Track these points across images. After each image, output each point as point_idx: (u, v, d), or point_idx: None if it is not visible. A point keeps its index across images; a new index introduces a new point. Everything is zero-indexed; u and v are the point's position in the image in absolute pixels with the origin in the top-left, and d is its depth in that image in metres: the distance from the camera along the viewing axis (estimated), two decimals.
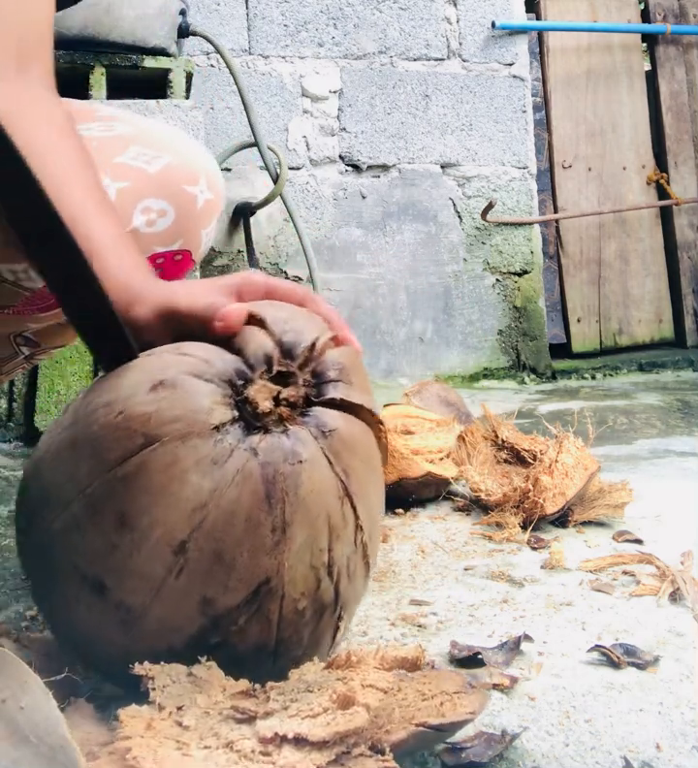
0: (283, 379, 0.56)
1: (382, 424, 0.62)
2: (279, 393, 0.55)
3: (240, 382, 0.55)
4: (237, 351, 0.56)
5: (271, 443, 0.53)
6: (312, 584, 0.54)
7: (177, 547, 0.51)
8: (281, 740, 0.46)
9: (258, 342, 0.56)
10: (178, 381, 0.53)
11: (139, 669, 0.51)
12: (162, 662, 0.52)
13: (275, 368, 0.56)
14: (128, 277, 0.61)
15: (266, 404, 0.54)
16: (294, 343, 0.57)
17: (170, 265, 0.92)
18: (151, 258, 0.88)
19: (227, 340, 0.57)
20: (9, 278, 0.83)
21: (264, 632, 0.53)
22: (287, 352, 0.57)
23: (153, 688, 0.50)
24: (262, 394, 0.54)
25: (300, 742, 0.46)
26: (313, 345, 0.58)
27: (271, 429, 0.54)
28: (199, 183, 0.90)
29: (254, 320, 0.58)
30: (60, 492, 0.54)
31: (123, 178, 0.85)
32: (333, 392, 0.57)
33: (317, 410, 0.56)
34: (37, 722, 0.42)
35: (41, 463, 0.58)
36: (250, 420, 0.53)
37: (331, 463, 0.54)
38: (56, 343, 1.01)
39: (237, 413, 0.53)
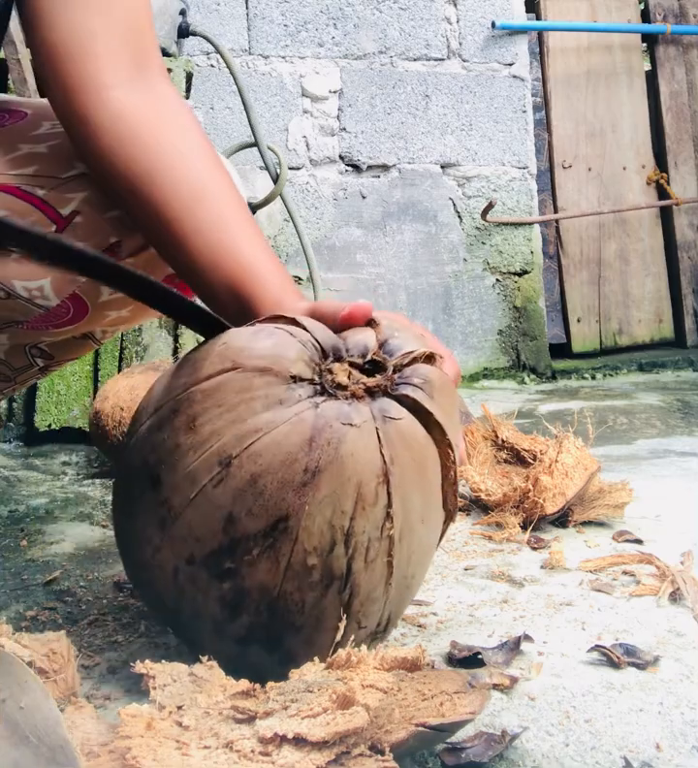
0: (372, 372, 0.62)
1: (452, 450, 0.63)
2: (359, 377, 0.61)
3: (332, 357, 0.61)
4: (343, 337, 0.63)
5: (333, 404, 0.58)
6: (326, 543, 0.56)
7: (224, 459, 0.57)
8: (281, 740, 0.46)
9: (363, 336, 0.63)
10: (277, 333, 0.60)
11: (139, 667, 0.52)
12: (181, 572, 0.58)
13: (370, 356, 0.62)
14: (282, 298, 0.67)
15: (343, 378, 0.60)
16: (394, 347, 0.63)
17: (183, 285, 0.92)
18: (166, 279, 0.88)
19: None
20: (23, 295, 0.83)
21: (271, 573, 0.56)
22: (386, 352, 0.63)
23: (154, 688, 0.50)
24: (343, 371, 0.60)
25: (299, 742, 0.46)
26: (410, 353, 0.62)
27: (339, 397, 0.59)
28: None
29: (372, 323, 0.65)
30: (157, 399, 0.63)
31: None
32: (410, 391, 0.61)
33: (387, 400, 0.60)
34: (36, 723, 0.42)
35: (157, 381, 0.67)
36: (326, 386, 0.59)
37: (380, 443, 0.57)
38: (70, 357, 1.01)
39: (316, 377, 0.59)
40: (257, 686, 0.52)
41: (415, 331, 0.66)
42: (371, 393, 0.60)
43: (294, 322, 0.62)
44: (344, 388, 0.59)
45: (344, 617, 0.59)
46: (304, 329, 0.62)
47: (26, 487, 1.46)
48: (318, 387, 0.59)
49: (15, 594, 0.90)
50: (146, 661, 0.52)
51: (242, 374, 0.59)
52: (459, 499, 1.20)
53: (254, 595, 0.57)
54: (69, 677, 0.58)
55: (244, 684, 0.52)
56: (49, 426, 1.86)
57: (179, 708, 0.49)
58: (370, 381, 0.60)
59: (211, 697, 0.50)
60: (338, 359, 0.61)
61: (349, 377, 0.60)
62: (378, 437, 0.58)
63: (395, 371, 0.62)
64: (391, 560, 0.59)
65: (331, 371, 0.60)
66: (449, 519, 0.67)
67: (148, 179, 0.68)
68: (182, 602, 0.60)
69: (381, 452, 0.57)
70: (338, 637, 0.59)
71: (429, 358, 0.64)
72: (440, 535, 0.68)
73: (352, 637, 0.59)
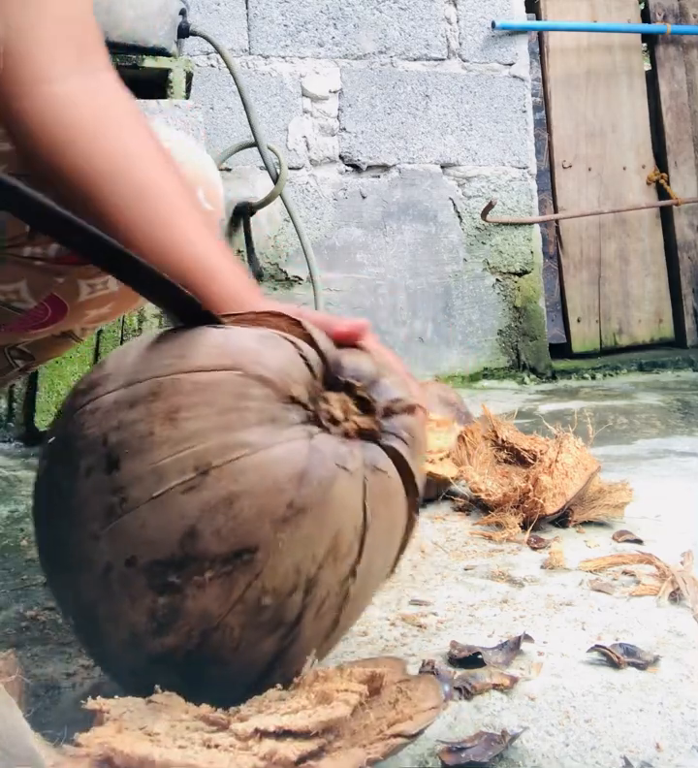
0: (362, 408, 0.58)
1: (417, 513, 0.62)
2: (354, 415, 0.57)
3: (330, 379, 0.58)
4: (340, 356, 0.60)
5: (328, 440, 0.54)
6: (287, 587, 0.52)
7: (202, 466, 0.51)
8: (261, 734, 0.44)
9: (359, 360, 0.60)
10: (285, 346, 0.56)
11: (92, 704, 0.47)
12: (114, 571, 0.51)
13: (362, 394, 0.58)
14: (242, 296, 0.64)
15: (338, 412, 0.57)
16: (383, 389, 0.59)
17: None
18: None
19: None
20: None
21: (218, 601, 0.51)
22: (375, 391, 0.59)
23: (109, 719, 0.46)
24: (339, 403, 0.57)
25: (281, 735, 0.44)
26: (399, 400, 0.60)
27: (331, 432, 0.56)
28: (197, 194, 0.87)
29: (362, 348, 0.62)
30: (132, 370, 0.56)
31: None
32: (397, 445, 0.58)
33: (377, 448, 0.57)
34: (1, 732, 0.39)
35: (130, 347, 0.60)
36: (320, 417, 0.56)
37: (365, 494, 0.54)
38: (51, 355, 1.01)
39: (311, 405, 0.56)
40: (219, 709, 0.49)
41: (400, 372, 0.63)
42: (362, 435, 0.57)
43: (298, 325, 0.58)
44: (337, 423, 0.56)
45: (277, 665, 0.54)
46: (312, 341, 0.58)
47: (26, 487, 1.46)
48: (311, 414, 0.55)
49: (15, 594, 0.90)
50: (99, 697, 0.47)
51: (243, 379, 0.53)
52: (459, 499, 1.20)
53: (191, 619, 0.51)
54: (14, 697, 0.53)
55: (206, 708, 0.49)
56: (50, 426, 1.86)
57: (142, 728, 0.46)
58: (363, 422, 0.57)
59: (174, 717, 0.47)
60: (335, 384, 0.58)
61: (344, 412, 0.57)
62: (364, 488, 0.54)
63: (383, 415, 0.59)
64: (338, 617, 0.55)
65: (326, 401, 0.57)
66: (387, 578, 0.64)
67: (89, 179, 0.64)
68: (103, 601, 0.53)
69: (364, 504, 0.54)
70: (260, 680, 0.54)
71: (412, 408, 0.61)
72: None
73: (271, 683, 0.53)
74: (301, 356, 0.56)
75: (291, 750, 0.43)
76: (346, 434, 0.56)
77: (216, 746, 0.44)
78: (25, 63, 0.65)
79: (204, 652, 0.52)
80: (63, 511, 0.55)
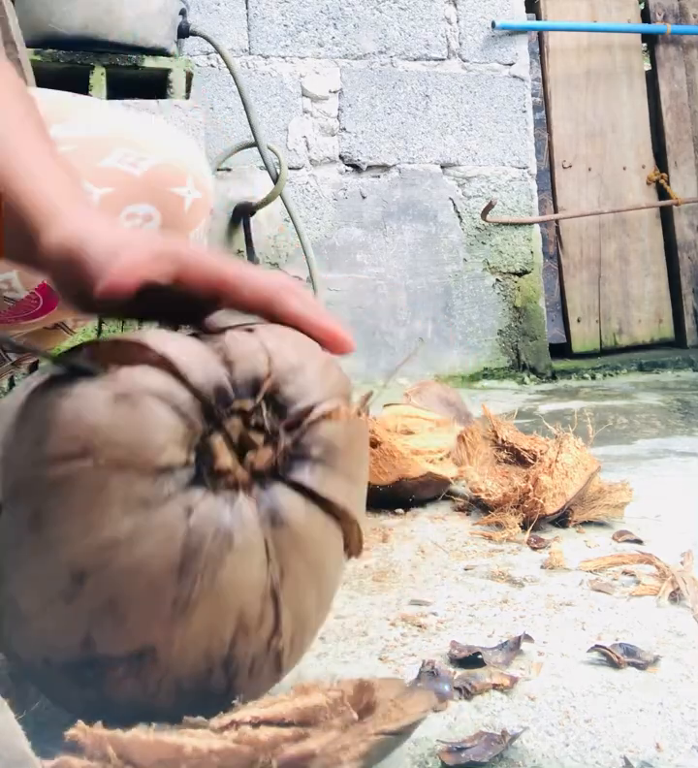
0: (258, 429, 0.49)
1: (357, 528, 0.54)
2: (246, 453, 0.49)
3: (215, 408, 0.48)
4: (224, 357, 0.49)
5: (209, 510, 0.46)
6: (202, 671, 0.48)
7: (77, 575, 0.46)
8: (237, 725, 0.43)
9: (254, 364, 0.49)
10: (141, 403, 0.47)
11: (72, 734, 0.44)
12: (37, 666, 0.49)
13: (257, 420, 0.49)
14: (59, 209, 0.52)
15: (226, 461, 0.48)
16: (290, 397, 0.50)
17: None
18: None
19: (213, 329, 0.51)
20: None
21: (140, 691, 0.48)
22: (279, 403, 0.50)
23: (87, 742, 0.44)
24: (225, 449, 0.48)
25: (256, 725, 0.43)
26: (310, 410, 0.50)
27: (219, 490, 0.47)
28: (186, 184, 0.86)
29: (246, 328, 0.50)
30: (3, 462, 0.51)
31: (107, 184, 0.81)
32: (306, 476, 0.49)
33: (279, 489, 0.49)
34: None
35: (5, 408, 0.53)
36: (201, 469, 0.47)
37: (268, 558, 0.48)
38: (43, 348, 1.01)
39: (191, 457, 0.47)
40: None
41: (312, 352, 0.53)
42: (260, 477, 0.49)
43: (163, 362, 0.48)
44: (227, 473, 0.48)
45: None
46: (180, 378, 0.48)
47: None
48: (193, 473, 0.47)
49: None
50: (79, 723, 0.44)
51: (95, 471, 0.46)
52: (459, 499, 1.20)
53: (122, 705, 0.48)
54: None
55: (190, 719, 0.47)
56: None
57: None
58: (258, 461, 0.49)
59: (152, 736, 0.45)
60: (225, 406, 0.48)
61: (234, 452, 0.48)
62: (266, 553, 0.48)
63: (289, 427, 0.50)
64: (280, 663, 0.52)
65: (210, 448, 0.48)
66: (354, 556, 0.58)
67: None
68: (46, 690, 0.53)
69: (268, 569, 0.48)
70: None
71: (330, 413, 0.51)
72: None
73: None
74: (172, 407, 0.47)
75: (263, 732, 0.42)
76: (238, 484, 0.48)
77: (190, 735, 0.44)
78: None
79: (154, 718, 0.49)
80: None
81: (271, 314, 0.53)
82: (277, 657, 0.51)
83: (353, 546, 0.56)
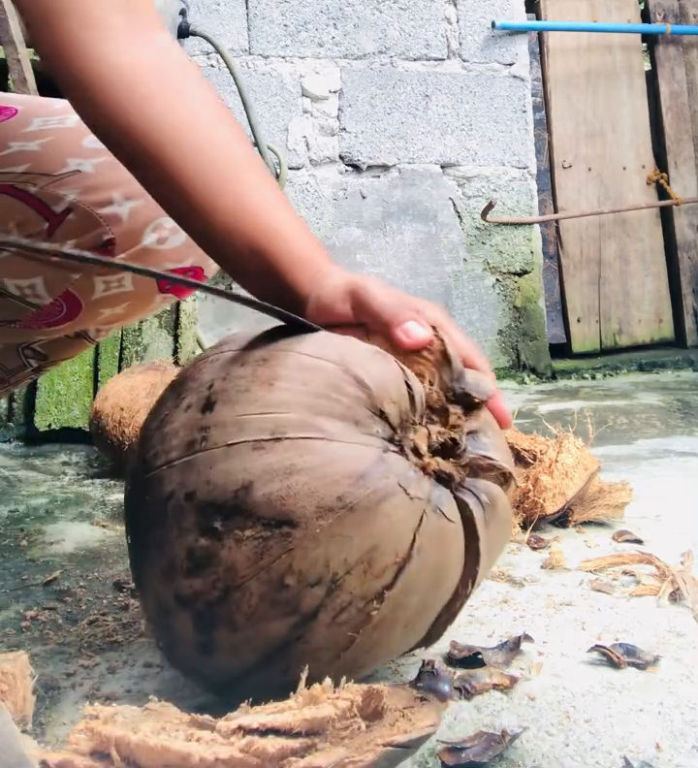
0: (451, 445, 0.59)
1: (472, 584, 0.60)
2: (438, 456, 0.58)
3: (441, 402, 0.59)
4: (417, 374, 0.60)
5: (400, 461, 0.55)
6: (312, 576, 0.52)
7: (277, 432, 0.54)
8: (245, 732, 0.44)
9: (483, 381, 0.61)
10: (391, 363, 0.58)
11: (87, 710, 0.46)
12: (170, 507, 0.55)
13: (457, 436, 0.59)
14: (311, 257, 0.64)
15: (421, 443, 0.57)
16: (480, 444, 0.60)
17: (196, 270, 0.90)
18: (176, 270, 0.86)
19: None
20: (14, 294, 0.82)
21: (246, 562, 0.53)
22: (475, 442, 0.60)
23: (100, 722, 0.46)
24: (424, 437, 0.58)
25: (265, 733, 0.44)
26: (492, 462, 0.60)
27: (409, 459, 0.56)
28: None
29: (445, 356, 0.60)
30: (252, 338, 0.61)
31: (137, 197, 0.82)
32: (472, 504, 0.58)
33: (449, 494, 0.57)
34: None
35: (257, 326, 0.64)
36: (403, 443, 0.57)
37: (419, 528, 0.55)
38: (64, 356, 1.01)
39: (398, 431, 0.57)
40: (207, 715, 0.49)
41: (504, 437, 0.63)
42: (439, 477, 0.57)
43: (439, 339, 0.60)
44: (419, 455, 0.57)
45: (280, 653, 0.54)
46: (445, 358, 0.60)
47: (26, 487, 1.46)
48: (395, 437, 0.56)
49: (15, 594, 0.90)
50: (96, 703, 0.47)
51: (342, 373, 0.56)
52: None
53: (220, 570, 0.53)
54: (19, 699, 0.53)
55: (199, 717, 0.48)
56: (49, 426, 1.86)
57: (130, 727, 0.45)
58: (444, 465, 0.57)
59: (164, 720, 0.47)
60: (413, 423, 0.58)
61: (429, 445, 0.58)
62: (420, 520, 0.54)
63: (466, 467, 0.59)
64: (355, 636, 0.55)
65: (415, 432, 0.58)
66: (424, 643, 0.63)
67: (155, 141, 0.62)
68: (158, 525, 0.57)
69: (414, 535, 0.54)
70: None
71: (505, 476, 0.61)
72: (411, 648, 0.64)
73: (271, 677, 0.55)
74: (406, 383, 0.57)
75: (271, 743, 0.43)
76: (423, 469, 0.56)
77: (198, 740, 0.44)
78: (85, 24, 0.63)
79: (222, 607, 0.54)
80: (156, 435, 0.60)
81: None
82: (359, 626, 0.54)
83: (440, 622, 0.61)
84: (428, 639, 0.62)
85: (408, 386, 0.58)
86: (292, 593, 0.52)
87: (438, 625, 0.61)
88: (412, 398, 0.58)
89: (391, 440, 0.56)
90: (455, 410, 0.60)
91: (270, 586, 0.53)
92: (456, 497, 0.57)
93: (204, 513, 0.53)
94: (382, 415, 0.56)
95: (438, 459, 0.57)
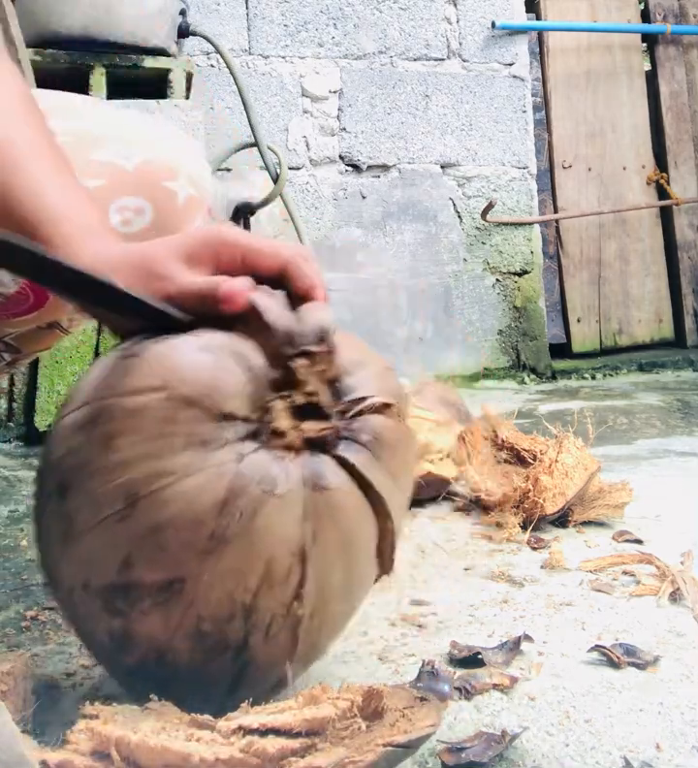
0: (314, 406, 0.53)
1: (392, 530, 0.57)
2: (301, 423, 0.53)
3: (281, 347, 0.53)
4: (298, 332, 0.54)
5: (259, 461, 0.51)
6: (223, 614, 0.51)
7: (130, 497, 0.50)
8: (245, 732, 0.44)
9: (322, 323, 0.54)
10: (220, 357, 0.52)
11: (87, 709, 0.47)
12: (75, 593, 0.52)
13: (314, 400, 0.53)
14: (85, 240, 0.57)
15: (283, 423, 0.52)
16: (348, 387, 0.55)
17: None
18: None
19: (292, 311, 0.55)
20: None
21: (161, 627, 0.51)
22: (338, 389, 0.55)
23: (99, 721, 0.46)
24: (285, 412, 0.53)
25: (265, 733, 0.44)
26: (363, 400, 0.55)
27: (272, 448, 0.52)
28: (178, 179, 0.85)
29: (325, 338, 0.55)
30: (87, 390, 0.55)
31: (99, 176, 0.81)
32: (352, 454, 0.53)
33: (325, 460, 0.53)
34: None
35: (98, 362, 0.58)
36: (260, 428, 0.52)
37: (304, 516, 0.51)
38: (38, 348, 1.00)
39: (253, 415, 0.52)
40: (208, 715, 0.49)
41: (378, 361, 0.58)
42: (311, 444, 0.53)
43: (250, 308, 0.53)
44: (282, 435, 0.52)
45: (240, 685, 0.53)
46: (260, 320, 0.53)
47: (26, 487, 1.46)
48: (252, 429, 0.52)
49: (15, 594, 0.90)
50: (96, 703, 0.47)
51: (168, 402, 0.51)
52: (459, 499, 1.20)
53: (142, 642, 0.52)
54: (19, 700, 0.53)
55: (198, 717, 0.49)
56: (49, 426, 1.86)
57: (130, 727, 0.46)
58: (311, 430, 0.53)
59: (165, 720, 0.47)
60: (286, 359, 0.53)
61: (292, 417, 0.53)
62: (303, 510, 0.51)
63: (342, 414, 0.54)
64: (296, 635, 0.53)
65: (272, 410, 0.52)
66: (383, 572, 0.61)
67: None
68: (75, 619, 0.56)
69: (302, 527, 0.51)
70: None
71: (387, 405, 0.56)
72: (369, 589, 0.61)
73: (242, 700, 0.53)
74: (246, 367, 0.52)
75: (271, 743, 0.43)
76: (290, 447, 0.52)
77: (198, 740, 0.44)
78: None
79: (164, 669, 0.53)
80: (38, 531, 0.57)
81: (288, 279, 0.56)
82: (295, 626, 0.53)
83: (385, 555, 0.58)
84: (384, 573, 0.61)
85: (248, 368, 0.52)
86: (215, 636, 0.51)
87: (385, 560, 0.59)
88: (255, 376, 0.52)
89: (249, 436, 0.52)
90: (302, 368, 0.54)
91: (194, 638, 0.51)
92: (336, 456, 0.53)
93: (104, 598, 0.52)
94: (227, 417, 0.51)
95: (307, 424, 0.53)
